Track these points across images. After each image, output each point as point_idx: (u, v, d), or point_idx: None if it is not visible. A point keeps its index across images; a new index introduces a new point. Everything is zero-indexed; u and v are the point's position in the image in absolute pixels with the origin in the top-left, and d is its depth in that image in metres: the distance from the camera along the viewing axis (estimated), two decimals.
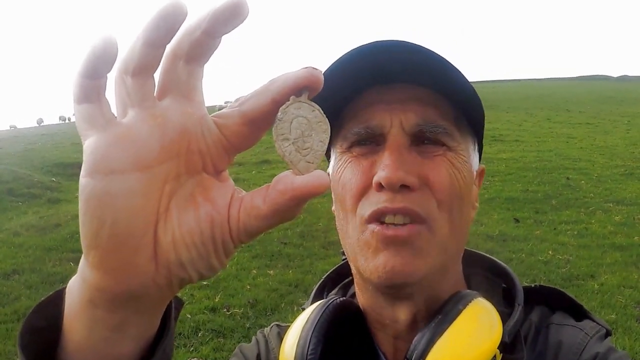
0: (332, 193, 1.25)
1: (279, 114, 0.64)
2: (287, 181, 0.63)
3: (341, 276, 1.47)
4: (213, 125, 0.66)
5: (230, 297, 7.73)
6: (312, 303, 1.33)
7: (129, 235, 0.62)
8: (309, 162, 0.66)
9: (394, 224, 1.09)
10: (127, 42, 0.62)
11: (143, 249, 0.63)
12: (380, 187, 1.09)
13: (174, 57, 0.63)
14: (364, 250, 1.13)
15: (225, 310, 7.33)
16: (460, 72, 1.11)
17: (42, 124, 60.19)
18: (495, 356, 1.06)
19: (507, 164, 16.41)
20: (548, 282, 7.59)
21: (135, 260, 0.63)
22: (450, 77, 1.11)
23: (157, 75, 0.64)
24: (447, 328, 1.06)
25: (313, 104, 0.66)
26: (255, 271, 8.75)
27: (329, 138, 0.67)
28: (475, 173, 1.25)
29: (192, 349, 6.27)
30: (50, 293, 0.80)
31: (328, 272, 1.49)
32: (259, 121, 0.65)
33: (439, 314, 1.09)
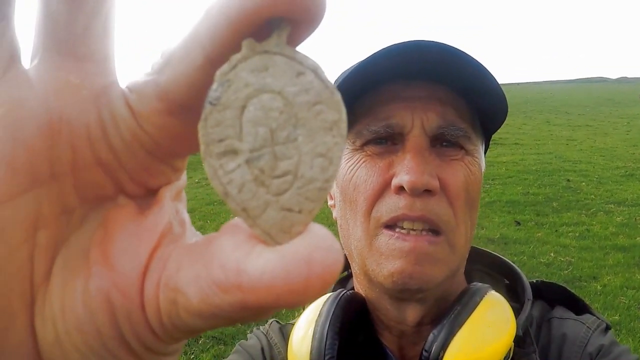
0: (338, 191, 1.21)
1: (213, 86, 0.32)
2: (232, 267, 0.32)
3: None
4: (125, 110, 0.35)
5: None
6: None
7: None
8: (289, 211, 0.32)
9: (412, 229, 1.06)
10: None
11: (13, 352, 0.36)
12: (401, 190, 1.06)
13: None
14: (375, 256, 1.10)
15: None
16: (483, 71, 1.07)
17: None
18: (510, 349, 1.05)
19: (507, 167, 16.44)
20: None
21: None
22: (468, 76, 1.08)
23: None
24: (467, 319, 1.04)
25: (300, 54, 0.32)
26: None
27: (344, 140, 0.33)
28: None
29: (192, 356, 6.24)
30: None
31: None
32: (192, 105, 0.34)
33: (456, 305, 1.07)
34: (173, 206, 0.39)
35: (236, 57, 0.31)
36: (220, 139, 0.32)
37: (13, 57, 0.34)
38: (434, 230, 1.09)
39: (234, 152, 0.32)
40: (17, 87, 0.33)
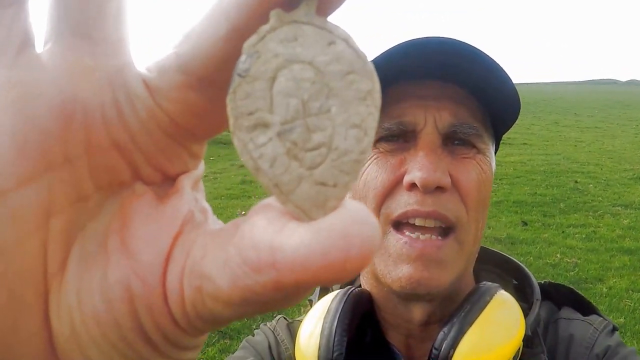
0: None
1: (242, 58, 0.30)
2: (266, 246, 0.29)
3: None
4: (142, 89, 0.34)
5: None
6: (320, 296, 1.30)
7: None
8: (324, 184, 0.30)
9: (424, 227, 1.06)
10: None
11: (26, 342, 0.34)
12: (413, 187, 1.06)
13: None
14: (384, 256, 1.10)
15: None
16: (497, 70, 1.07)
17: None
18: (519, 348, 1.05)
19: (515, 167, 16.40)
20: None
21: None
22: (481, 75, 1.08)
23: None
24: (476, 318, 1.04)
25: (329, 23, 0.30)
26: None
27: (378, 110, 0.31)
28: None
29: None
30: None
31: None
32: (216, 79, 0.33)
33: (465, 304, 1.07)
34: (192, 195, 0.37)
35: (264, 28, 0.30)
36: (250, 112, 0.30)
37: (26, 41, 0.33)
38: (445, 228, 1.09)
39: (264, 125, 0.30)
40: (29, 70, 0.32)
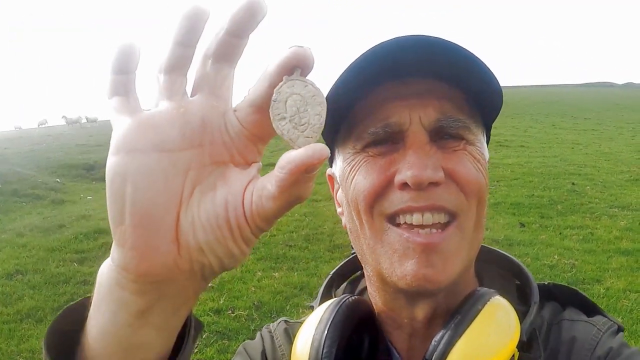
0: (342, 197, 1.23)
1: (273, 95, 0.66)
2: (285, 157, 0.65)
3: (348, 273, 1.46)
4: (234, 118, 0.70)
5: (235, 299, 7.72)
6: (320, 301, 1.32)
7: (150, 214, 0.67)
8: (307, 137, 0.67)
9: (422, 226, 1.08)
10: (159, 45, 0.73)
11: (164, 229, 0.67)
12: (405, 186, 1.07)
13: (204, 57, 0.70)
14: (388, 253, 1.11)
15: (230, 312, 7.32)
16: (475, 60, 1.08)
17: (43, 125, 59.99)
18: (514, 355, 1.04)
19: (513, 169, 16.41)
20: None
21: (157, 239, 0.67)
22: (462, 68, 1.09)
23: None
24: (466, 328, 1.04)
25: (306, 79, 0.67)
26: (260, 273, 8.72)
27: (325, 110, 0.68)
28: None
29: (196, 350, 6.22)
30: (79, 299, 0.85)
31: (334, 269, 1.46)
32: (265, 107, 0.67)
33: (458, 312, 1.07)
34: (257, 171, 0.72)
35: (281, 82, 0.66)
36: (278, 114, 0.66)
37: (184, 92, 0.70)
38: (443, 223, 1.10)
39: (283, 118, 0.67)
40: (188, 103, 0.69)
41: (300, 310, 7.03)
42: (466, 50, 1.06)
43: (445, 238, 1.08)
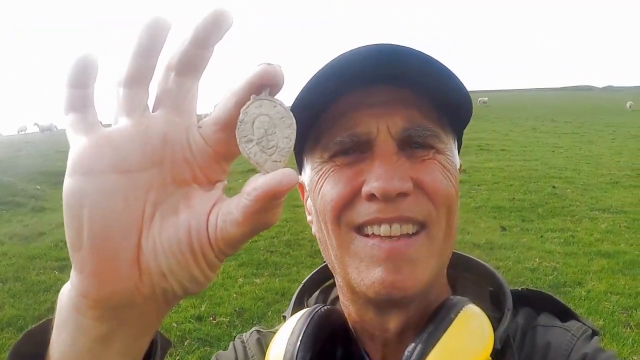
0: (312, 205, 1.22)
1: (240, 115, 0.63)
2: (251, 182, 0.62)
3: (320, 281, 1.45)
4: (198, 135, 0.66)
5: (216, 305, 7.68)
6: (292, 311, 1.31)
7: (109, 238, 0.64)
8: (275, 161, 0.64)
9: (390, 237, 1.06)
10: (123, 57, 0.68)
11: (125, 254, 0.65)
12: (372, 197, 1.05)
13: (166, 69, 0.67)
14: (355, 263, 1.09)
15: (211, 319, 7.28)
16: (442, 68, 1.06)
17: (23, 132, 59.69)
18: None
19: (494, 173, 16.50)
20: None
21: (117, 264, 0.64)
22: (429, 76, 1.07)
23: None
24: (439, 338, 1.02)
25: (275, 99, 0.64)
26: (241, 280, 8.69)
27: (295, 133, 0.65)
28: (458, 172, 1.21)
29: (178, 358, 6.23)
30: (40, 322, 0.81)
31: (307, 278, 1.44)
32: (231, 125, 0.64)
33: (431, 322, 1.06)
34: (222, 192, 0.69)
35: (248, 102, 0.63)
36: (245, 135, 0.63)
37: (146, 107, 0.66)
38: (412, 234, 1.08)
39: (250, 140, 0.64)
40: (150, 119, 0.65)
41: (282, 317, 7.00)
42: (432, 57, 1.05)
43: (413, 245, 1.06)
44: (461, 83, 1.10)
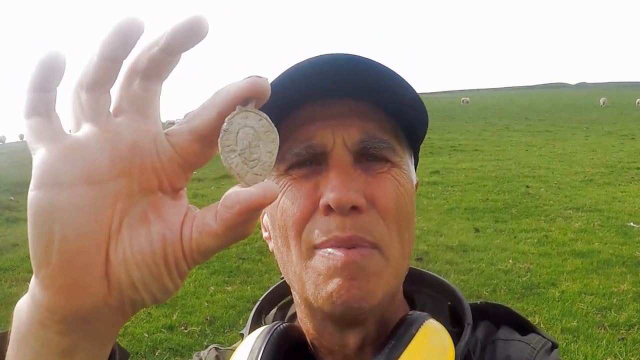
0: (268, 221, 1.21)
1: (225, 124, 0.62)
2: (233, 195, 0.61)
3: (277, 298, 1.43)
4: (167, 142, 0.64)
5: (187, 314, 7.63)
6: (250, 329, 1.28)
7: (79, 252, 0.60)
8: (256, 174, 0.64)
9: (346, 248, 1.03)
10: (84, 57, 0.63)
11: (94, 267, 0.61)
12: (329, 210, 1.03)
13: (131, 73, 0.63)
14: (313, 277, 1.07)
15: (182, 328, 7.23)
16: (400, 81, 1.05)
17: (3, 142, 59.85)
18: None
19: (467, 173, 16.67)
20: (509, 291, 7.79)
21: (87, 279, 0.61)
22: (385, 88, 1.06)
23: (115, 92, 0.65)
24: (401, 353, 1.01)
25: (260, 112, 0.64)
26: (213, 288, 8.64)
27: (277, 148, 0.66)
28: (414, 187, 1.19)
29: None
30: None
31: (263, 296, 1.42)
32: (209, 136, 0.63)
33: (391, 338, 1.04)
34: (187, 201, 0.68)
35: (234, 112, 0.61)
36: (228, 145, 0.62)
37: (109, 112, 0.62)
38: (368, 248, 1.05)
39: (233, 150, 0.62)
40: (115, 126, 0.62)
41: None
42: (390, 70, 1.03)
43: (367, 256, 1.04)
44: (418, 97, 1.10)
